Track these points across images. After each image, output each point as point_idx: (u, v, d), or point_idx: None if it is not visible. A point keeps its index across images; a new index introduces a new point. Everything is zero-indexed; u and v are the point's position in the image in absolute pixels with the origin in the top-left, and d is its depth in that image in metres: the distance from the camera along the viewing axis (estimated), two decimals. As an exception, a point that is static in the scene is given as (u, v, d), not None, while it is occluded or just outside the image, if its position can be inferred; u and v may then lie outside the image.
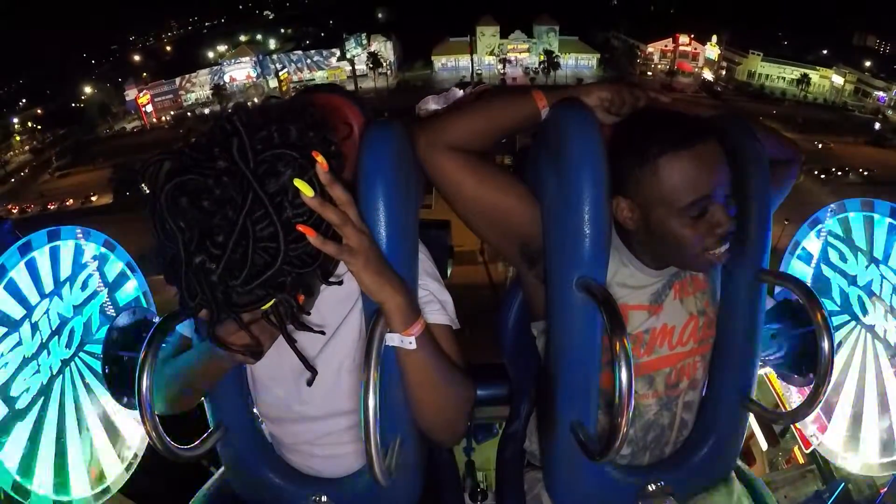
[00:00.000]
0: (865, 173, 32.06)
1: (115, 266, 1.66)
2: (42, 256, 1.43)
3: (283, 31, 62.49)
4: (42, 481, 1.37)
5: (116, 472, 1.57)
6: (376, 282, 0.75)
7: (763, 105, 43.56)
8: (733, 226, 0.86)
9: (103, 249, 1.62)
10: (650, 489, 1.00)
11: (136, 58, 56.16)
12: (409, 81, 51.33)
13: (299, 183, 0.64)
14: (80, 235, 1.54)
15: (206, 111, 48.31)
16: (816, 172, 30.83)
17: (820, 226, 1.80)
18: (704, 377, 1.03)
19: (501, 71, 50.85)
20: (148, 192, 0.66)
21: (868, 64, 43.50)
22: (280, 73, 50.22)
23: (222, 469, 1.09)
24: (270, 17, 67.40)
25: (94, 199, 35.43)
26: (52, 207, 35.15)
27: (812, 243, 1.80)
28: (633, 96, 0.94)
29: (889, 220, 1.64)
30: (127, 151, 40.59)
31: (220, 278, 0.63)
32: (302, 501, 0.99)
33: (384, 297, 0.76)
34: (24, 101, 50.33)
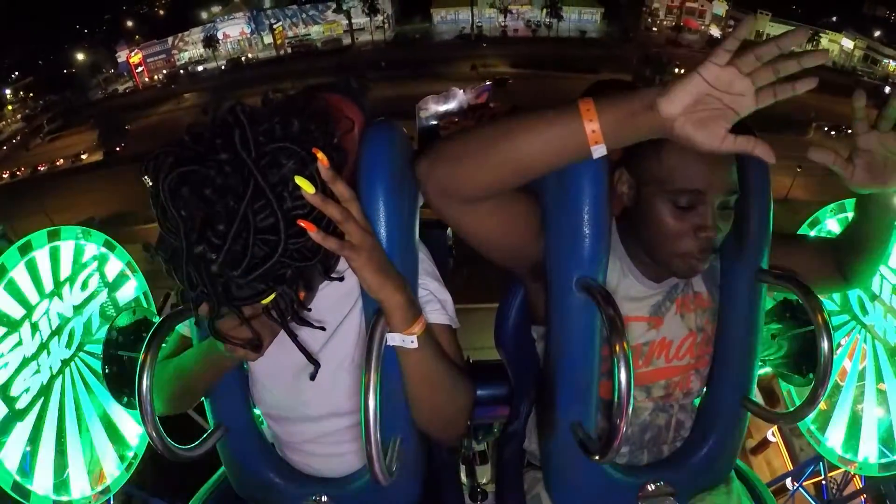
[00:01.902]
0: (875, 133, 32.96)
1: (115, 266, 1.66)
2: (42, 256, 1.43)
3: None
4: (42, 481, 1.37)
5: (116, 472, 1.57)
6: (377, 280, 0.74)
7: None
8: (717, 239, 0.85)
9: (103, 249, 1.62)
10: (650, 489, 1.00)
11: (129, 23, 54.64)
12: (406, 34, 50.46)
13: (300, 180, 0.64)
14: (80, 235, 1.55)
15: (200, 69, 47.98)
16: (827, 129, 32.25)
17: (820, 226, 1.80)
18: (700, 388, 1.04)
19: (502, 23, 49.96)
20: (150, 185, 0.66)
21: (878, 34, 43.37)
22: (275, 27, 49.23)
23: (222, 469, 1.09)
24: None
25: (84, 157, 35.67)
26: (42, 169, 35.24)
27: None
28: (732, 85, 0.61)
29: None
30: (119, 111, 41.09)
31: (221, 269, 0.63)
32: (302, 501, 0.99)
33: (385, 295, 0.75)
34: (16, 73, 49.87)
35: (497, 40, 47.43)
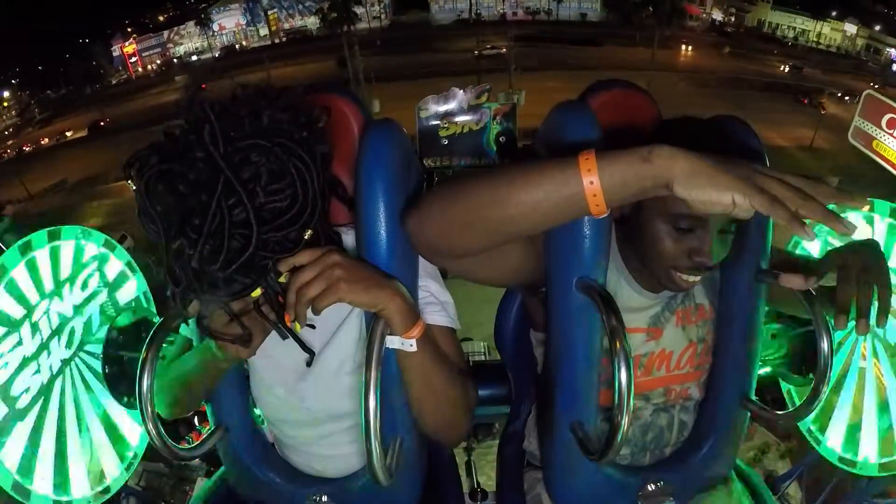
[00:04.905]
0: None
1: (115, 266, 1.66)
2: (42, 256, 1.43)
3: (279, -1, 61.52)
4: (42, 481, 1.37)
5: (116, 472, 1.56)
6: (368, 296, 0.74)
7: (776, 46, 43.57)
8: (711, 263, 0.85)
9: (103, 249, 1.62)
10: (650, 489, 1.00)
11: (129, 29, 56.06)
12: (403, 23, 50.50)
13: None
14: (81, 235, 1.54)
15: (194, 58, 48.42)
16: (840, 94, 32.71)
17: (818, 226, 1.79)
18: (700, 395, 1.04)
19: (501, 9, 50.36)
20: (134, 187, 0.67)
21: (878, 28, 44.17)
22: (269, 14, 48.99)
23: (222, 469, 1.09)
24: (267, -1, 66.91)
25: (68, 134, 36.77)
26: (27, 149, 36.48)
27: (812, 243, 1.80)
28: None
29: (889, 220, 1.64)
30: (110, 99, 41.97)
31: (200, 263, 0.63)
32: (302, 501, 0.99)
33: (381, 304, 0.75)
34: (17, 80, 51.40)
35: (496, 23, 47.29)
